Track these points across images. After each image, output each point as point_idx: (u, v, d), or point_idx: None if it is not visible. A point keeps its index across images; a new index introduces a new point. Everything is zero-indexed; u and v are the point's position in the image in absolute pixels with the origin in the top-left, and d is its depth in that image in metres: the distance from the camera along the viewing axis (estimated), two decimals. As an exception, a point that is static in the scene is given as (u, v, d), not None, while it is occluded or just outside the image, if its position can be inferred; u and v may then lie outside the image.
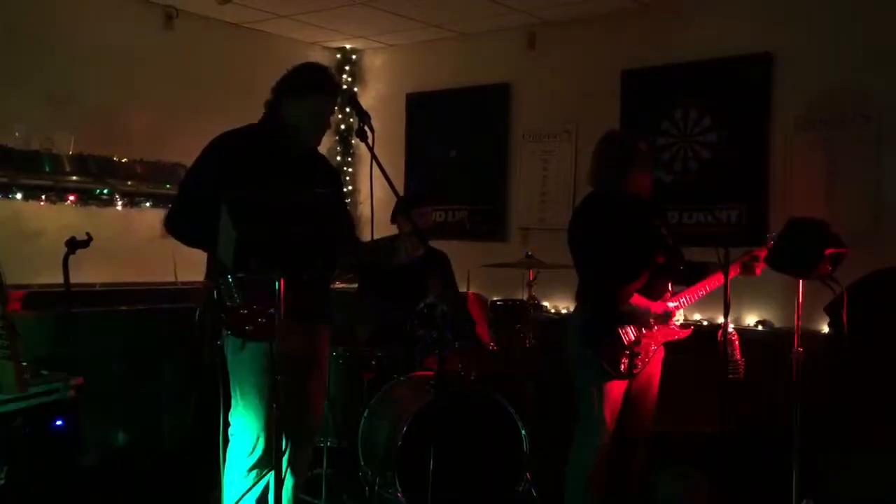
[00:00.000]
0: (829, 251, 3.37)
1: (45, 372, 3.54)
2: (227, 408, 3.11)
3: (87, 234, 3.64)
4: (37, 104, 5.00)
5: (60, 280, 3.63)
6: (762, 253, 3.67)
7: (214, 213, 2.81)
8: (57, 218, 4.91)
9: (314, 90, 3.19)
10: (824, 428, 3.93)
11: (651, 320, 3.62)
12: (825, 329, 4.42)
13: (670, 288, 3.73)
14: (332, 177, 3.51)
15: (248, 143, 3.15)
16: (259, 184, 2.96)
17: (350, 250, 3.22)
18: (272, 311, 2.76)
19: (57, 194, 4.98)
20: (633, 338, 3.59)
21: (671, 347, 3.77)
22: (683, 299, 3.73)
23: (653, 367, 3.72)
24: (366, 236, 3.42)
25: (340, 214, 3.38)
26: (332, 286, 3.40)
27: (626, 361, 3.57)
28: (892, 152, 4.55)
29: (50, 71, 5.05)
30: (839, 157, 4.70)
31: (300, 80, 3.20)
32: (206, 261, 3.13)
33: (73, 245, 3.62)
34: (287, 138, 3.19)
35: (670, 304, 3.69)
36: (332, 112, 3.36)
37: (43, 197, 4.94)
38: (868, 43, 4.63)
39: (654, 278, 3.65)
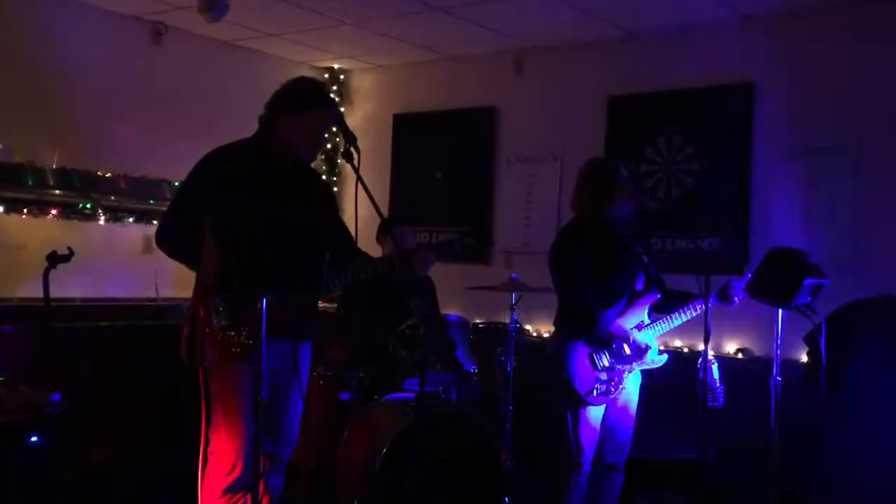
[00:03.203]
0: (808, 281, 3.40)
1: (22, 387, 3.51)
2: (208, 426, 3.08)
3: (69, 248, 3.61)
4: (21, 117, 4.97)
5: (41, 294, 3.60)
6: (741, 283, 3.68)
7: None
8: (39, 231, 4.89)
9: (313, 106, 3.10)
10: (803, 456, 3.95)
11: (627, 348, 3.64)
12: (804, 358, 4.46)
13: (647, 316, 3.74)
14: (326, 194, 3.44)
15: (241, 160, 3.07)
16: (251, 201, 2.93)
17: (336, 271, 3.17)
18: (257, 331, 2.74)
19: (39, 208, 4.97)
20: (608, 363, 3.60)
21: (649, 374, 3.78)
22: (659, 327, 3.73)
23: (630, 392, 3.72)
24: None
25: (337, 231, 3.32)
26: (317, 305, 3.37)
27: (601, 387, 3.57)
28: (871, 183, 4.61)
29: (35, 84, 5.03)
30: (819, 187, 4.75)
31: (298, 95, 3.11)
32: (194, 278, 3.10)
33: (55, 259, 3.59)
34: (283, 155, 3.12)
35: (648, 333, 3.69)
36: (329, 128, 3.30)
37: (25, 210, 4.93)
38: (849, 74, 4.70)
39: (632, 305, 3.67)
